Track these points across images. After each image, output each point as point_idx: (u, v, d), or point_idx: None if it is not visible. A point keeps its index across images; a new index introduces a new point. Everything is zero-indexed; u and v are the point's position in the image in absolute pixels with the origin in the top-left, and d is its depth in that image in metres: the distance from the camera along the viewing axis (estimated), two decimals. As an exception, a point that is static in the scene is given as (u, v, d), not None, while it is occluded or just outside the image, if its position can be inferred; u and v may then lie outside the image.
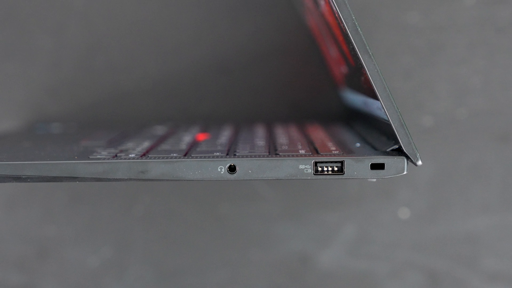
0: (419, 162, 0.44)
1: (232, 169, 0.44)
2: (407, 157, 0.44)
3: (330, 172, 0.44)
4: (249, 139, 0.54)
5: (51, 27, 0.70)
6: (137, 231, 0.70)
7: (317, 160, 0.44)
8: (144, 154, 0.47)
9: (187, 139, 0.55)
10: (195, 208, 0.70)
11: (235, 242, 0.70)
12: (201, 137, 0.56)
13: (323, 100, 0.70)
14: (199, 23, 0.70)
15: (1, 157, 0.46)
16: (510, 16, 0.68)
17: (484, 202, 0.69)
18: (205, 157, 0.45)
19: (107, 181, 0.44)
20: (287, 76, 0.69)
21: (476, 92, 0.68)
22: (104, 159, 0.45)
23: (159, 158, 0.45)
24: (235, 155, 0.46)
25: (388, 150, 0.45)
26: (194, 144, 0.52)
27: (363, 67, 0.44)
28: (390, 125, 0.44)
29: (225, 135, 0.57)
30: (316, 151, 0.47)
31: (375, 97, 0.45)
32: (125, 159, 0.45)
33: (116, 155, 0.46)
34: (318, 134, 0.58)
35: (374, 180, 0.64)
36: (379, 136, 0.50)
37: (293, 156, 0.45)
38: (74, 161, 0.44)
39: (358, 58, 0.44)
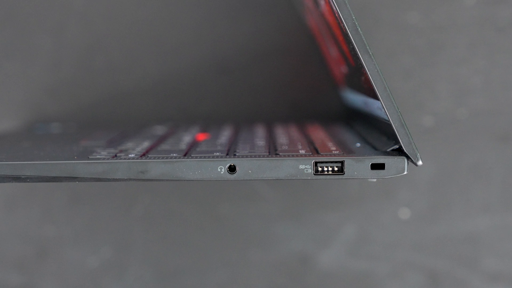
0: (420, 162, 0.44)
1: (232, 169, 0.44)
2: (408, 157, 0.44)
3: (330, 172, 0.44)
4: (249, 139, 0.54)
5: (51, 27, 0.70)
6: (137, 231, 0.70)
7: (317, 160, 0.44)
8: (143, 154, 0.47)
9: (187, 139, 0.55)
10: (195, 208, 0.70)
11: (235, 242, 0.70)
12: (201, 137, 0.56)
13: (323, 100, 0.69)
14: (199, 23, 0.69)
15: (0, 157, 0.46)
16: (511, 16, 0.68)
17: (484, 202, 0.69)
18: (205, 157, 0.45)
19: (107, 181, 0.44)
20: (287, 76, 0.69)
21: (477, 92, 0.68)
22: (103, 159, 0.45)
23: (159, 158, 0.45)
24: (235, 155, 0.46)
25: (388, 150, 0.45)
26: (194, 144, 0.52)
27: (363, 67, 0.44)
28: (390, 125, 0.44)
29: (225, 135, 0.57)
30: (316, 151, 0.47)
31: (375, 97, 0.45)
32: (124, 159, 0.45)
33: (115, 155, 0.46)
34: (318, 134, 0.58)
35: (375, 180, 0.64)
36: (380, 136, 0.50)
37: (293, 156, 0.45)
38: (73, 161, 0.44)
39: (358, 58, 0.44)
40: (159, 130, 0.63)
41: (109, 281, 0.70)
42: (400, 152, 0.44)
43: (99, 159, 0.45)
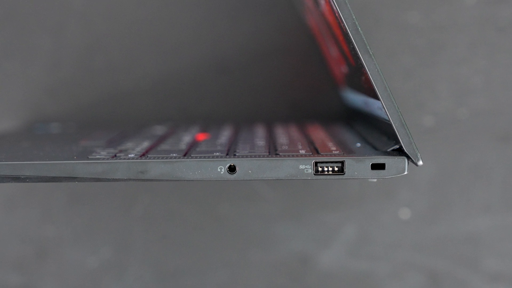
0: (420, 162, 0.44)
1: (232, 169, 0.44)
2: (408, 157, 0.44)
3: (330, 172, 0.44)
4: (249, 139, 0.54)
5: (50, 27, 0.70)
6: (136, 231, 0.70)
7: (317, 160, 0.44)
8: (143, 154, 0.47)
9: (186, 139, 0.55)
10: (195, 209, 0.70)
11: (235, 243, 0.69)
12: (201, 137, 0.56)
13: (323, 100, 0.69)
14: (199, 23, 0.69)
15: (0, 157, 0.46)
16: (511, 16, 0.68)
17: (485, 202, 0.69)
18: (205, 157, 0.45)
19: (107, 181, 0.44)
20: (287, 76, 0.69)
21: (477, 92, 0.68)
22: (103, 159, 0.45)
23: (158, 158, 0.45)
24: (235, 155, 0.46)
25: (388, 150, 0.45)
26: (193, 144, 0.52)
27: (364, 67, 0.44)
28: (390, 125, 0.44)
29: (225, 135, 0.57)
30: (316, 151, 0.47)
31: (375, 97, 0.45)
32: (124, 159, 0.45)
33: (115, 155, 0.46)
34: (319, 134, 0.58)
35: (375, 180, 0.64)
36: (380, 136, 0.50)
37: (293, 156, 0.45)
38: (73, 161, 0.44)
39: (358, 57, 0.44)
40: (159, 130, 0.62)
41: (109, 282, 0.70)
42: (400, 152, 0.44)
43: (98, 159, 0.45)
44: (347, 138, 0.55)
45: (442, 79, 0.68)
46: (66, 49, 0.70)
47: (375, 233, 0.69)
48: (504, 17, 0.68)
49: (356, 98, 0.57)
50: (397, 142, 0.44)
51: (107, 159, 0.45)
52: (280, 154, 0.46)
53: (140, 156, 0.46)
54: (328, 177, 0.44)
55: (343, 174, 0.44)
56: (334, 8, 0.44)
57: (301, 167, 0.44)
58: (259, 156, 0.45)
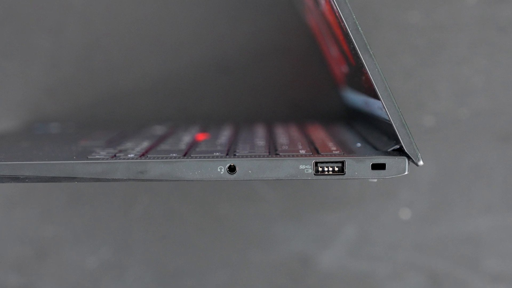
0: (421, 162, 0.44)
1: (232, 169, 0.44)
2: (408, 157, 0.44)
3: (330, 172, 0.44)
4: (249, 139, 0.54)
5: (50, 27, 0.69)
6: (136, 231, 0.70)
7: (317, 160, 0.44)
8: (143, 154, 0.47)
9: (186, 139, 0.55)
10: (195, 209, 0.70)
11: (235, 243, 0.69)
12: (201, 137, 0.56)
13: (323, 99, 0.69)
14: (199, 23, 0.69)
15: (-1, 157, 0.46)
16: (512, 15, 0.68)
17: (486, 203, 0.69)
18: (204, 157, 0.45)
19: (106, 182, 0.44)
20: (287, 75, 0.69)
21: (478, 91, 0.68)
22: (103, 159, 0.45)
23: (158, 158, 0.45)
24: (235, 155, 0.45)
25: (389, 150, 0.45)
26: (193, 144, 0.52)
27: (364, 67, 0.44)
28: (391, 125, 0.44)
29: (225, 135, 0.57)
30: (316, 151, 0.47)
31: (376, 96, 0.45)
32: (124, 159, 0.45)
33: (115, 155, 0.46)
34: (319, 134, 0.58)
35: (375, 180, 0.64)
36: (380, 136, 0.50)
37: (293, 156, 0.45)
38: (72, 161, 0.44)
39: (358, 57, 0.44)
40: (159, 130, 0.62)
41: (109, 282, 0.70)
42: (401, 152, 0.44)
43: (98, 159, 0.45)
44: (347, 138, 0.55)
45: (443, 79, 0.68)
46: (65, 49, 0.70)
47: (376, 233, 0.69)
48: (505, 16, 0.68)
49: (356, 98, 0.57)
50: (398, 142, 0.44)
51: (107, 159, 0.45)
52: (280, 154, 0.46)
53: (140, 156, 0.46)
54: (328, 177, 0.44)
55: (343, 174, 0.44)
56: (334, 7, 0.44)
57: (301, 167, 0.44)
58: (259, 156, 0.45)
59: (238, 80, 0.69)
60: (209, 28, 0.69)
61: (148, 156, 0.46)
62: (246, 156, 0.45)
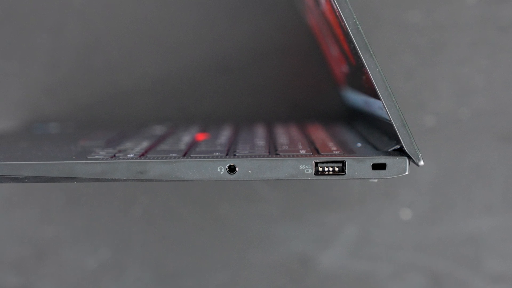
0: (421, 162, 0.44)
1: (231, 169, 0.44)
2: (409, 157, 0.44)
3: (331, 173, 0.44)
4: (249, 139, 0.54)
5: (49, 26, 0.69)
6: (135, 232, 0.70)
7: (317, 160, 0.44)
8: (143, 154, 0.46)
9: (186, 139, 0.55)
10: (195, 209, 0.69)
11: (235, 243, 0.69)
12: (201, 137, 0.56)
13: (323, 99, 0.69)
14: (199, 22, 0.69)
15: (-2, 158, 0.46)
16: (513, 15, 0.68)
17: (487, 203, 0.68)
18: (204, 157, 0.44)
19: (106, 182, 0.44)
20: (287, 75, 0.69)
21: (479, 91, 0.68)
22: (102, 159, 0.44)
23: (158, 158, 0.45)
24: (235, 155, 0.45)
25: (389, 150, 0.45)
26: (193, 144, 0.51)
27: (364, 66, 0.43)
28: (391, 125, 0.44)
29: (224, 135, 0.57)
30: (316, 151, 0.47)
31: (376, 96, 0.44)
32: (123, 159, 0.45)
33: (114, 155, 0.46)
34: (319, 134, 0.58)
35: (376, 180, 0.64)
36: (381, 136, 0.50)
37: (293, 156, 0.44)
38: (72, 161, 0.44)
39: (359, 57, 0.44)
40: (158, 130, 0.62)
41: (108, 282, 0.70)
42: (401, 152, 0.44)
43: (97, 159, 0.44)
44: (347, 138, 0.55)
45: (443, 78, 0.68)
46: (65, 48, 0.69)
47: (376, 233, 0.69)
48: (506, 16, 0.68)
49: (356, 98, 0.57)
50: (398, 142, 0.44)
51: (106, 159, 0.45)
52: (280, 154, 0.45)
53: (140, 156, 0.46)
54: (329, 177, 0.44)
55: (344, 174, 0.44)
56: (335, 7, 0.44)
57: (302, 167, 0.44)
58: (259, 156, 0.45)
59: (238, 80, 0.69)
60: (209, 28, 0.69)
61: (148, 156, 0.46)
62: (246, 156, 0.45)
